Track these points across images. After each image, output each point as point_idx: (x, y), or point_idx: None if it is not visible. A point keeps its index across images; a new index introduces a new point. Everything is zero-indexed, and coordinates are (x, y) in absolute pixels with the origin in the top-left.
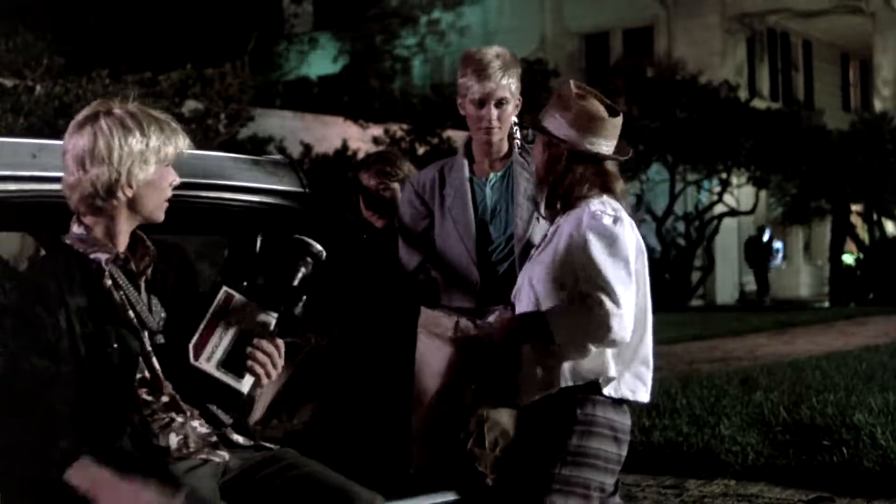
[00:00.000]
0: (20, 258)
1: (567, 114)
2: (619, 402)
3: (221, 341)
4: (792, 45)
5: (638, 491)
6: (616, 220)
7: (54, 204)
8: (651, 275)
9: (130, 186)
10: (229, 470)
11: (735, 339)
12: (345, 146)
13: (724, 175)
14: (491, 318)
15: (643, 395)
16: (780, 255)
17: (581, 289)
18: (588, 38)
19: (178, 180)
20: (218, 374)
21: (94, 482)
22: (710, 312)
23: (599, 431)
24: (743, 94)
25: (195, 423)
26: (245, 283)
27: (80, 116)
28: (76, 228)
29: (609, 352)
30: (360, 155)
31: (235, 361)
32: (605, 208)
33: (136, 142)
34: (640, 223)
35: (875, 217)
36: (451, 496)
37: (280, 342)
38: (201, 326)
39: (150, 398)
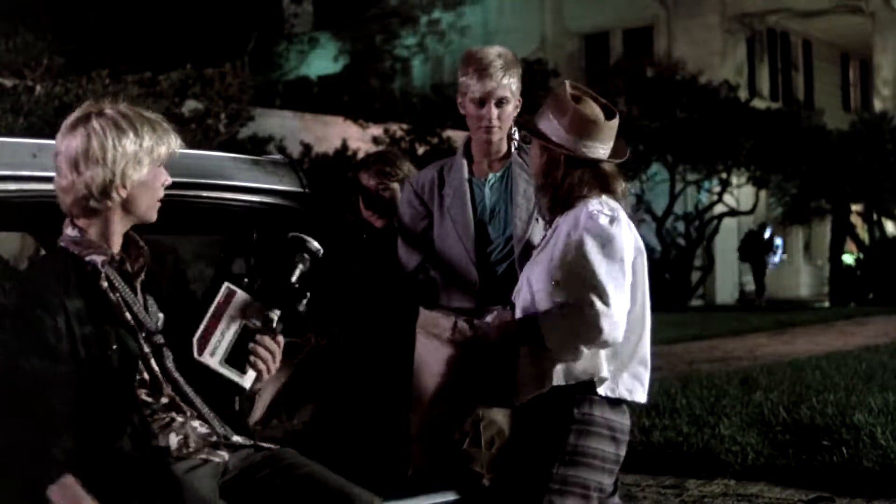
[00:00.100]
0: (20, 258)
1: (563, 118)
2: (616, 402)
3: (224, 337)
4: (792, 44)
5: (638, 491)
6: (613, 220)
7: (54, 204)
8: (651, 275)
9: (124, 187)
10: (229, 470)
11: (735, 339)
12: (345, 146)
13: (724, 175)
14: (489, 318)
15: (640, 396)
16: (780, 251)
17: (574, 289)
18: (588, 38)
19: (170, 180)
20: (221, 370)
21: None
22: (709, 312)
23: (597, 431)
24: (743, 94)
25: (195, 423)
26: (246, 280)
27: (71, 118)
28: (70, 231)
29: (603, 352)
30: (360, 155)
31: (238, 357)
32: (603, 208)
33: (129, 142)
34: (639, 223)
35: (875, 217)
36: (449, 496)
37: (280, 339)
38: (204, 322)
39: (149, 399)
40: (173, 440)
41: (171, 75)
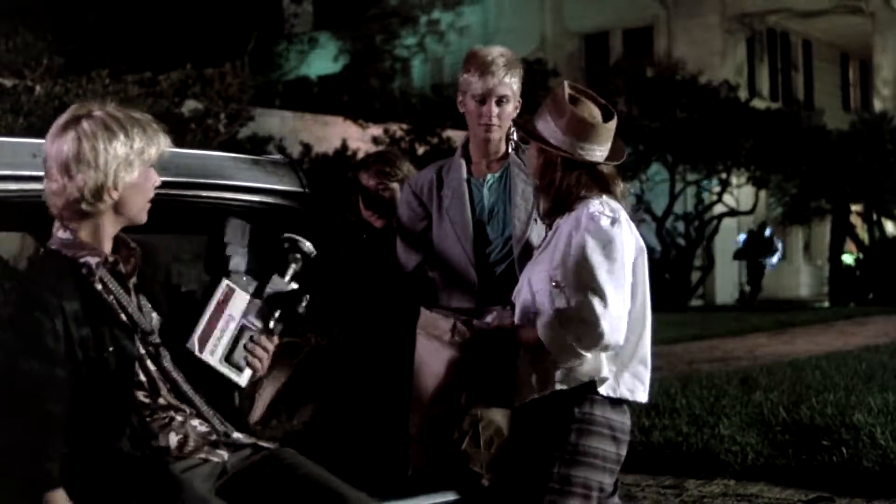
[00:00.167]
0: (20, 258)
1: (560, 120)
2: (617, 402)
3: (223, 335)
4: (792, 44)
5: (637, 491)
6: (614, 221)
7: None
8: (651, 275)
9: (116, 189)
10: (227, 470)
11: (735, 339)
12: (344, 146)
13: (723, 175)
14: (489, 318)
15: (641, 396)
16: (780, 252)
17: (574, 291)
18: (588, 38)
19: (159, 181)
20: (221, 368)
21: None
22: (709, 312)
23: (598, 430)
24: (743, 94)
25: (195, 422)
26: (245, 279)
27: (60, 121)
28: (61, 233)
29: (604, 353)
30: (360, 155)
31: (235, 356)
32: (604, 209)
33: (120, 145)
34: (639, 223)
35: (875, 217)
36: (449, 496)
37: (275, 339)
38: (205, 320)
39: (147, 400)
40: (173, 439)
41: (171, 75)
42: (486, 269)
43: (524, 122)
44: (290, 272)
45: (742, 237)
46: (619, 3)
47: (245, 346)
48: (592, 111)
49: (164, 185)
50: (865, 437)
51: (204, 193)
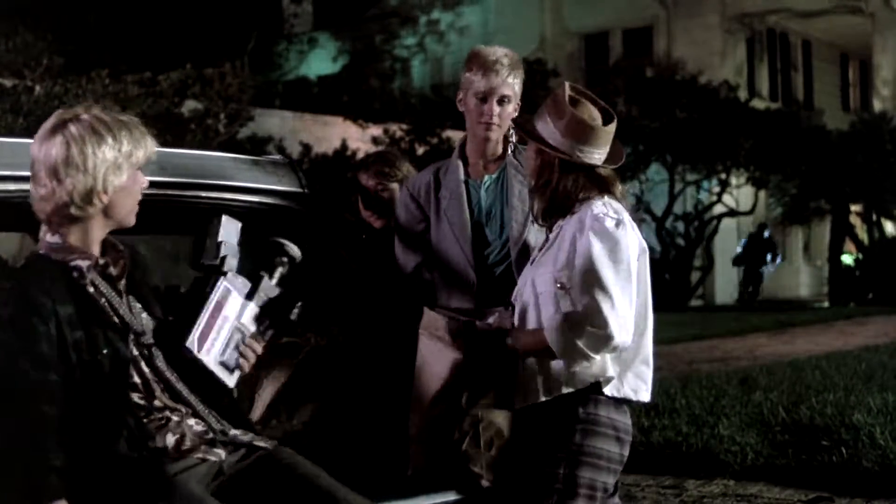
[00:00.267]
0: (20, 258)
1: (559, 121)
2: (620, 402)
3: (219, 336)
4: (791, 45)
5: (637, 491)
6: (619, 223)
7: None
8: (651, 275)
9: (106, 193)
10: (224, 470)
11: (735, 339)
12: (344, 146)
13: (723, 175)
14: (490, 320)
15: (644, 395)
16: (779, 258)
17: (581, 294)
18: (588, 38)
19: (147, 182)
20: (215, 369)
21: None
22: (709, 312)
23: (602, 431)
24: (742, 94)
25: (191, 422)
26: (240, 281)
27: (47, 125)
28: (50, 237)
29: (610, 354)
30: (360, 155)
31: (227, 357)
32: (608, 210)
33: (108, 148)
34: (639, 223)
35: (874, 217)
36: (449, 496)
37: (264, 342)
38: (203, 319)
39: (142, 402)
40: (170, 440)
41: (171, 75)
42: (484, 271)
43: (523, 121)
44: (277, 275)
45: (744, 242)
46: (619, 3)
47: (238, 349)
48: (592, 113)
49: (164, 185)
50: (865, 437)
51: (203, 194)
